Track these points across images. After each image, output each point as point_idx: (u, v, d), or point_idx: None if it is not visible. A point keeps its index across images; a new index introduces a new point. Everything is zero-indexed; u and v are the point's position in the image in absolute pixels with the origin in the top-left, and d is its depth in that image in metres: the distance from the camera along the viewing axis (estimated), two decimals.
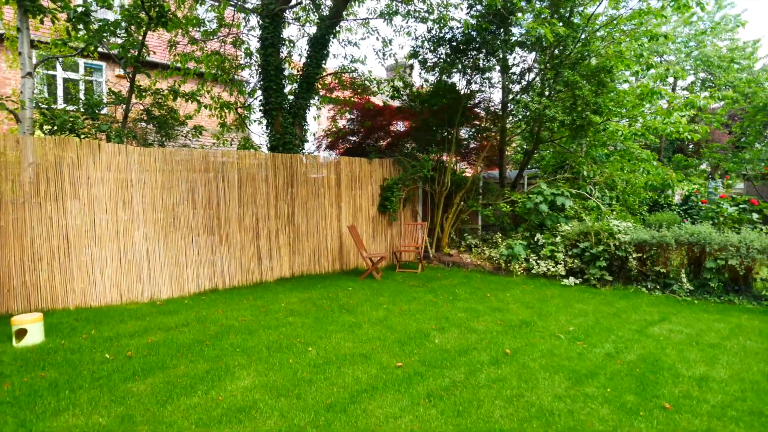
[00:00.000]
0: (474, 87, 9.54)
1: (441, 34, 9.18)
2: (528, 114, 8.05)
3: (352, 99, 10.62)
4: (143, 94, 7.48)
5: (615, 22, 8.54)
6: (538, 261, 8.14)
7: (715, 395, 3.50)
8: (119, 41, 7.02)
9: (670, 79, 16.47)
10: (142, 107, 7.60)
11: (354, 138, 11.36)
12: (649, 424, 3.09)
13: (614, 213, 8.08)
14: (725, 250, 6.58)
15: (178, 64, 8.65)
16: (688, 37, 16.35)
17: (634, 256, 7.29)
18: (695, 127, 8.54)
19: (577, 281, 7.59)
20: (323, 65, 8.61)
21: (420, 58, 9.48)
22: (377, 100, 11.17)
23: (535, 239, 8.37)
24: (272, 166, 7.52)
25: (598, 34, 8.58)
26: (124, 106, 7.01)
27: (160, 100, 7.67)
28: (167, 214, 6.48)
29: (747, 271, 6.54)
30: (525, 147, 10.04)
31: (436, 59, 9.48)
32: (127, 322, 5.23)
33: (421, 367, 4.00)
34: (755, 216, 7.64)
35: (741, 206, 7.82)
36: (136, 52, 6.95)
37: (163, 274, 6.45)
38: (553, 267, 7.95)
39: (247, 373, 3.80)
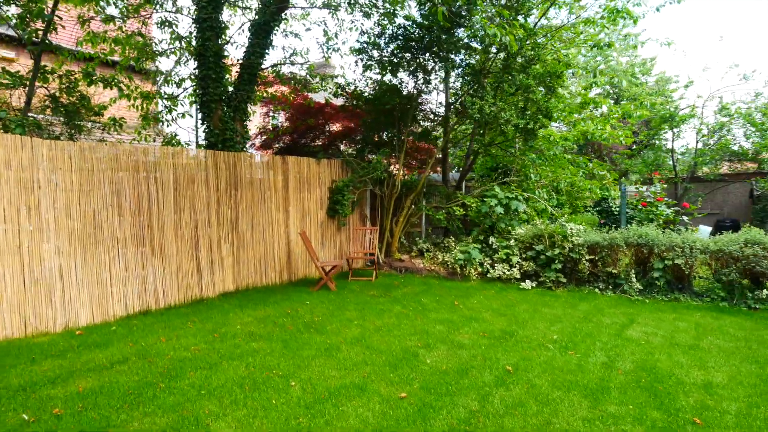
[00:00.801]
0: (423, 87, 9.26)
1: (388, 31, 8.78)
2: (481, 116, 7.93)
3: (292, 95, 9.84)
4: (49, 77, 6.12)
5: (554, 29, 8.76)
6: (494, 265, 8.06)
7: (729, 404, 3.45)
8: (14, 11, 5.68)
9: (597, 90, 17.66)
10: (47, 92, 6.22)
11: (287, 137, 10.58)
12: None
13: (565, 216, 8.25)
14: (671, 251, 6.93)
15: (89, 48, 7.25)
16: (595, 52, 17.68)
17: (587, 258, 7.46)
18: (619, 133, 9.08)
19: (533, 284, 7.60)
20: (267, 55, 7.78)
21: (366, 55, 8.99)
22: (319, 98, 10.49)
23: (489, 243, 8.29)
24: (213, 166, 6.58)
25: (539, 40, 8.72)
26: (26, 91, 5.66)
27: (69, 85, 6.34)
28: (86, 222, 5.33)
29: (689, 269, 6.94)
30: (468, 150, 9.96)
31: (383, 57, 9.06)
32: (41, 362, 4.13)
33: (427, 396, 3.54)
34: (685, 218, 8.22)
35: (673, 208, 8.39)
36: (44, 26, 5.65)
37: (82, 295, 5.29)
38: (508, 270, 7.90)
39: (226, 425, 3.06)
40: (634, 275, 7.18)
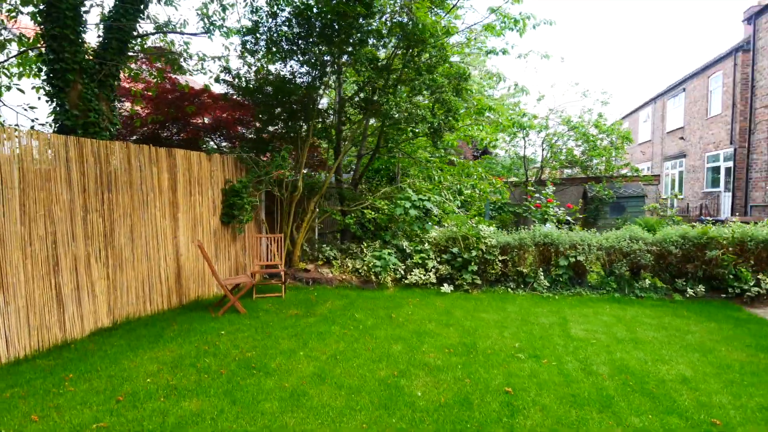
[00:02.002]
0: (323, 80, 8.43)
1: (285, 12, 7.75)
2: (397, 113, 7.51)
3: (156, 78, 8.04)
4: None
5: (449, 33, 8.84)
6: (411, 270, 7.71)
7: (719, 397, 3.59)
8: None
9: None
10: None
11: (146, 128, 8.71)
12: None
13: (474, 218, 8.32)
14: (574, 249, 7.46)
15: None
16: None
17: (500, 258, 7.60)
18: (497, 138, 9.68)
19: (451, 288, 7.46)
20: (141, 20, 6.09)
21: (253, 36, 7.78)
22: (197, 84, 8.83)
23: (403, 247, 7.91)
24: (78, 159, 4.81)
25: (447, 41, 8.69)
26: None
27: None
28: None
29: (590, 265, 7.56)
30: (359, 150, 9.44)
31: (277, 41, 7.97)
32: None
33: None
34: (569, 218, 9.04)
35: (559, 209, 9.16)
36: None
37: None
38: (424, 275, 7.63)
39: None
40: (542, 273, 7.55)
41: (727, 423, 3.20)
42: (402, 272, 7.71)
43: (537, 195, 9.63)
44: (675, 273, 7.39)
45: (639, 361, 4.39)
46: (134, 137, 8.88)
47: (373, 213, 8.04)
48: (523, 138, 15.67)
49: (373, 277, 7.62)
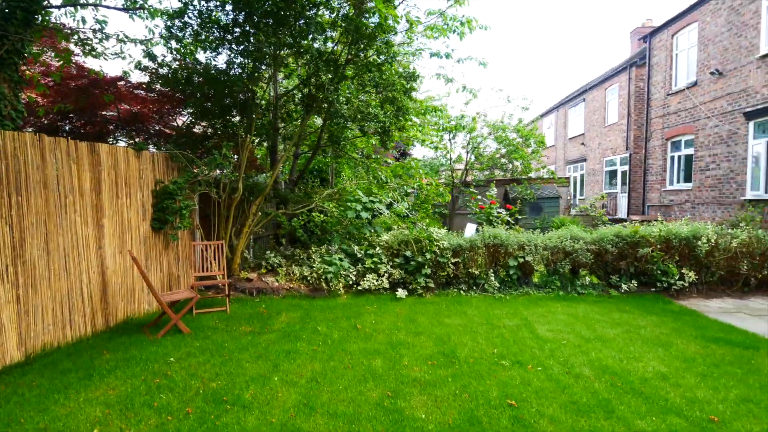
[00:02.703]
0: (265, 72, 7.75)
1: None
2: (348, 110, 7.10)
3: (62, 62, 6.84)
4: None
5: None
6: (364, 276, 7.36)
7: (704, 392, 3.74)
8: None
9: None
10: None
11: (45, 119, 7.45)
12: None
13: (425, 220, 8.18)
14: (522, 249, 7.63)
15: None
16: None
17: (452, 261, 7.55)
18: (434, 139, 9.75)
19: (406, 293, 7.24)
20: None
21: (180, 20, 6.92)
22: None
23: (354, 252, 7.54)
24: None
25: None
26: None
27: None
28: None
29: (537, 265, 7.78)
30: (295, 150, 8.87)
31: (210, 26, 7.18)
32: None
33: None
34: (510, 219, 9.29)
35: (498, 210, 9.37)
36: None
37: None
38: (377, 281, 7.34)
39: None
40: (492, 274, 7.62)
41: (723, 420, 3.31)
42: (354, 278, 7.34)
43: (479, 197, 9.80)
44: (610, 270, 7.87)
45: (614, 360, 4.49)
46: (29, 129, 7.51)
47: (322, 216, 7.56)
48: (450, 141, 16.02)
49: (323, 284, 7.16)
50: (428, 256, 7.34)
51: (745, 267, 7.50)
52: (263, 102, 8.05)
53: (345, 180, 10.33)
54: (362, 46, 7.47)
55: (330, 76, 7.46)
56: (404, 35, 9.09)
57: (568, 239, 7.70)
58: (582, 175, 24.00)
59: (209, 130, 7.50)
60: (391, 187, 8.60)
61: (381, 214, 7.64)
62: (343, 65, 7.43)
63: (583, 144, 23.95)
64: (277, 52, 7.35)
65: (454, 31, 8.43)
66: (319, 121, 8.83)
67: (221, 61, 7.64)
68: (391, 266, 7.46)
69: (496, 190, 11.22)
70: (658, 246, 7.59)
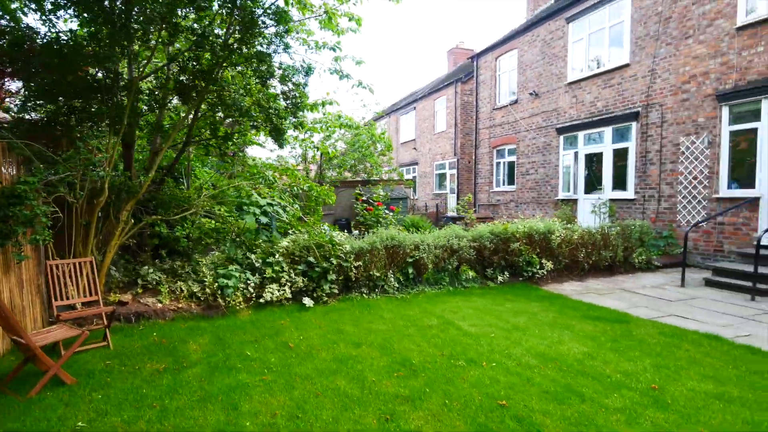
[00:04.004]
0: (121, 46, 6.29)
1: None
2: (242, 103, 6.24)
3: None
4: None
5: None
6: (265, 287, 6.63)
7: (626, 365, 4.41)
8: None
9: None
10: None
11: None
12: None
13: (318, 224, 7.76)
14: (417, 249, 7.90)
15: None
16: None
17: (355, 264, 7.37)
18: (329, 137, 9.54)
19: (312, 301, 6.80)
20: None
21: None
22: None
23: (252, 261, 6.73)
24: None
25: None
26: None
27: None
28: None
29: (430, 264, 8.12)
30: (155, 143, 7.49)
31: None
32: None
33: None
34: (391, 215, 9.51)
35: (387, 211, 9.51)
36: None
37: None
38: (279, 291, 6.72)
39: None
40: (392, 275, 7.70)
41: (660, 386, 3.97)
42: (252, 290, 6.56)
43: (365, 198, 9.75)
44: (486, 264, 8.73)
45: (544, 347, 4.98)
46: None
47: (213, 222, 6.53)
48: (305, 141, 15.65)
49: (219, 300, 6.22)
50: (334, 261, 7.02)
51: (582, 255, 9.18)
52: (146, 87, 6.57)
53: (201, 180, 9.15)
54: (251, 34, 6.72)
55: (214, 60, 6.51)
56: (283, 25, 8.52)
57: (454, 238, 8.26)
58: (414, 177, 26.11)
59: (61, 117, 5.77)
60: (280, 188, 7.96)
61: (281, 218, 7.00)
62: (229, 50, 6.55)
63: (415, 149, 26.06)
64: (143, 25, 6.03)
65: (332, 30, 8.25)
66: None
67: (67, 30, 5.91)
68: (294, 274, 6.91)
69: (383, 192, 11.39)
70: (524, 240, 8.73)
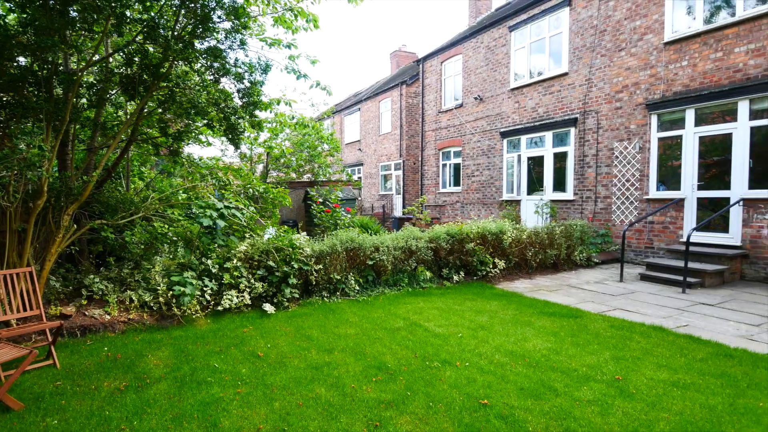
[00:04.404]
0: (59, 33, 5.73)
1: None
2: (198, 100, 5.89)
3: None
4: None
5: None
6: (223, 293, 6.33)
7: (588, 359, 4.67)
8: None
9: None
10: None
11: None
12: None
13: (276, 226, 7.51)
14: (377, 251, 7.89)
15: None
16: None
17: (316, 268, 7.23)
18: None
19: (274, 308, 6.58)
20: None
21: None
22: None
23: (208, 267, 6.39)
24: None
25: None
26: None
27: None
28: None
29: (390, 265, 8.13)
30: (89, 141, 6.92)
31: None
32: None
33: None
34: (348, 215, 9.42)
35: (345, 213, 9.39)
36: None
37: None
38: (238, 297, 6.45)
39: None
40: (352, 278, 7.63)
41: (624, 377, 4.23)
42: (209, 298, 6.24)
43: (321, 200, 9.56)
44: (441, 264, 8.90)
45: (511, 345, 5.15)
46: None
47: (166, 227, 6.12)
48: (254, 139, 15.15)
49: (175, 309, 5.85)
50: (295, 265, 6.84)
51: (530, 254, 9.61)
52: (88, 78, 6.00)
53: (146, 180, 8.60)
54: (204, 28, 6.39)
55: (165, 55, 6.12)
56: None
57: (412, 239, 8.34)
58: (360, 178, 26.08)
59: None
60: (234, 190, 7.61)
61: (240, 222, 6.69)
62: (183, 45, 6.20)
63: (359, 150, 26.05)
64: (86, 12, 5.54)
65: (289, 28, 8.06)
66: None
67: None
68: (254, 279, 6.65)
69: (341, 193, 11.23)
70: (478, 241, 8.99)
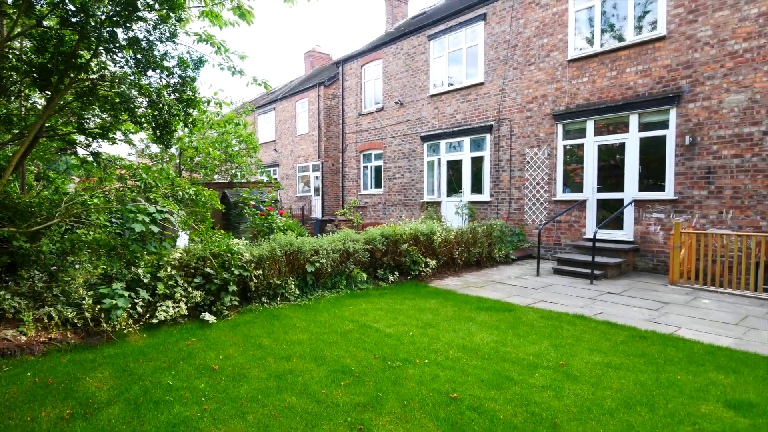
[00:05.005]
0: None
1: None
2: (130, 92, 5.35)
3: None
4: None
5: None
6: (157, 305, 5.86)
7: (531, 348, 5.10)
8: None
9: None
10: None
11: None
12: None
13: (209, 231, 7.09)
14: (317, 254, 7.82)
15: None
16: None
17: (255, 273, 6.98)
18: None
19: (214, 318, 6.24)
20: None
21: None
22: None
23: (139, 277, 5.87)
24: None
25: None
26: None
27: None
28: None
29: (330, 268, 8.08)
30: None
31: None
32: None
33: None
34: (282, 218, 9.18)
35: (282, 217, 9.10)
36: None
37: None
38: (174, 308, 6.02)
39: None
40: (292, 282, 7.49)
41: (567, 363, 4.69)
42: (142, 310, 5.74)
43: (255, 203, 9.13)
44: (376, 266, 9.05)
45: (462, 340, 5.45)
46: None
47: (91, 234, 5.49)
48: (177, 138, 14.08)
49: (104, 325, 5.31)
50: (236, 271, 6.55)
51: (457, 253, 10.15)
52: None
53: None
54: (130, 16, 5.89)
55: (85, 43, 5.54)
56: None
57: (349, 241, 8.39)
58: (276, 180, 25.38)
59: None
60: (161, 193, 7.02)
61: (174, 227, 6.21)
62: (109, 34, 5.65)
63: (275, 150, 25.39)
64: None
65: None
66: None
67: None
68: (191, 288, 6.25)
69: (262, 195, 10.80)
70: (411, 242, 9.29)
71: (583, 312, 6.68)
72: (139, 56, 6.18)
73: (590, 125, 10.86)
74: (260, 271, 7.01)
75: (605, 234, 10.34)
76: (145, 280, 5.91)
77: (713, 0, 8.88)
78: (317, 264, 7.71)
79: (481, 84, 13.39)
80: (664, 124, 9.64)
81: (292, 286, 7.42)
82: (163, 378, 4.22)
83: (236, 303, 6.66)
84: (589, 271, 9.07)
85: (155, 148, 14.79)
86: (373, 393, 3.96)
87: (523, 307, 7.05)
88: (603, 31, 10.72)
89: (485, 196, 13.38)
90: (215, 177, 16.44)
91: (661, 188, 9.72)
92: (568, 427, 3.37)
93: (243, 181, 15.59)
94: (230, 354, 4.91)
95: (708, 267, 8.15)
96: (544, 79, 11.85)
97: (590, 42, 10.96)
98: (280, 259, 7.32)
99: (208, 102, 7.70)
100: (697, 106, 9.11)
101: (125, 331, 5.45)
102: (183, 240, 8.81)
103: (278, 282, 7.26)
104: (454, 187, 14.40)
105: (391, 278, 8.85)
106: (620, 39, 10.38)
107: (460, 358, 4.80)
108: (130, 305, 5.55)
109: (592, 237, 10.08)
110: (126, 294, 5.47)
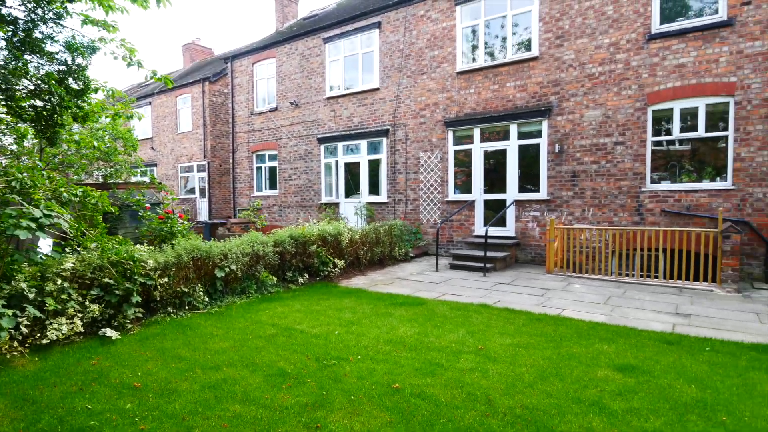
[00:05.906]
0: None
1: None
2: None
3: None
4: None
5: None
6: (54, 321, 5.13)
7: (452, 336, 5.55)
8: None
9: None
10: None
11: None
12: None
13: (103, 236, 6.34)
14: (226, 258, 7.48)
15: None
16: None
17: (161, 282, 6.46)
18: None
19: (117, 333, 5.65)
20: None
21: None
22: None
23: (23, 291, 5.07)
24: None
25: None
26: None
27: None
28: None
29: (241, 272, 7.76)
30: None
31: None
32: None
33: None
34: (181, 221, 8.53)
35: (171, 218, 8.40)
36: None
37: None
38: (68, 325, 5.34)
39: None
40: (201, 289, 7.07)
41: (484, 347, 5.21)
42: (25, 330, 4.99)
43: (151, 206, 8.23)
44: (285, 268, 8.94)
45: (386, 334, 5.71)
46: None
47: None
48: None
49: None
50: (140, 280, 6.00)
51: (362, 252, 10.44)
52: None
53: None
54: None
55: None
56: None
57: (258, 244, 8.17)
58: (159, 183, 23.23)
59: None
60: (42, 194, 6.07)
61: (65, 232, 5.43)
62: None
63: (152, 148, 23.28)
64: None
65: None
66: None
67: None
68: (88, 301, 5.57)
69: (159, 196, 9.83)
70: (319, 243, 9.34)
71: (485, 301, 7.41)
72: (15, 38, 5.40)
73: (477, 132, 11.96)
74: (166, 279, 6.51)
75: (492, 231, 11.48)
76: (30, 296, 5.14)
77: (575, 28, 10.43)
78: (227, 269, 7.39)
79: (377, 89, 13.89)
80: (539, 134, 11.04)
81: (201, 294, 7.02)
82: (78, 402, 3.77)
83: (140, 315, 6.11)
84: (481, 264, 10.00)
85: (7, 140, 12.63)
86: (318, 392, 4.01)
87: (432, 300, 7.57)
88: (487, 48, 11.89)
89: (383, 198, 13.90)
90: (83, 177, 14.60)
91: (537, 190, 11.11)
92: (501, 401, 3.81)
93: (121, 182, 14.11)
94: (149, 369, 4.54)
95: (576, 257, 9.57)
96: (436, 88, 12.72)
97: (475, 58, 12.07)
98: (188, 265, 6.88)
99: (95, 91, 6.92)
100: (564, 119, 10.61)
101: (8, 356, 4.70)
102: (45, 247, 7.74)
103: (185, 290, 6.81)
104: (352, 188, 14.69)
105: (300, 280, 8.81)
106: (502, 56, 11.61)
107: (390, 351, 5.04)
108: (13, 326, 4.79)
109: (481, 234, 11.11)
110: (10, 312, 4.71)
